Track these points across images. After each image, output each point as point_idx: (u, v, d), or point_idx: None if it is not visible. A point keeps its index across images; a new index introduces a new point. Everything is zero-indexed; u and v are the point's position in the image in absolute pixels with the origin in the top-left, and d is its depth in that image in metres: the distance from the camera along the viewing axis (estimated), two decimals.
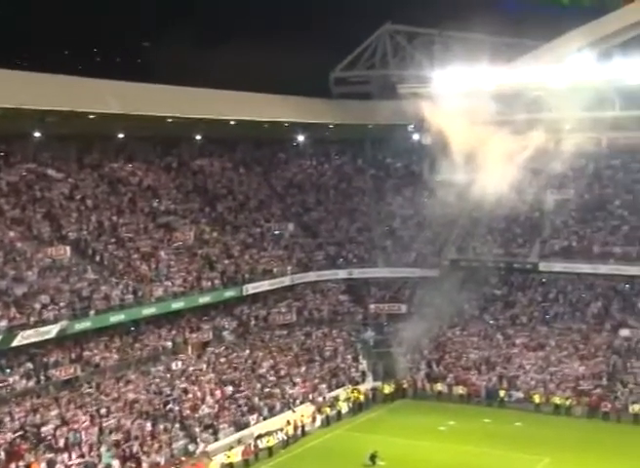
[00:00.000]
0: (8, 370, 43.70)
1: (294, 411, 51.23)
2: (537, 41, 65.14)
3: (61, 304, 46.49)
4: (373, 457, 44.83)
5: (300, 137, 72.50)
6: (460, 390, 56.68)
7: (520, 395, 55.85)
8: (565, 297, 63.02)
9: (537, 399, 54.62)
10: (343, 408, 53.73)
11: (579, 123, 60.21)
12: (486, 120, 55.96)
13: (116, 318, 48.95)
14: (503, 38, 69.30)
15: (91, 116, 52.55)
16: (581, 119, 59.50)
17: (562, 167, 63.61)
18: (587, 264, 62.55)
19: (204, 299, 54.68)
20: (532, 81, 58.25)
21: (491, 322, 62.59)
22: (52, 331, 45.03)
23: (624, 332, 58.83)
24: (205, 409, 48.28)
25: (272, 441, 47.10)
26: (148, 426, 45.05)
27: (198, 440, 45.91)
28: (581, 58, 59.75)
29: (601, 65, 57.69)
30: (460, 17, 68.18)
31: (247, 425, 48.88)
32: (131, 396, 46.94)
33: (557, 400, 54.13)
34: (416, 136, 70.95)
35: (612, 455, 45.98)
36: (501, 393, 55.67)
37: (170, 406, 47.42)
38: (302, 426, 49.91)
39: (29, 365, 44.62)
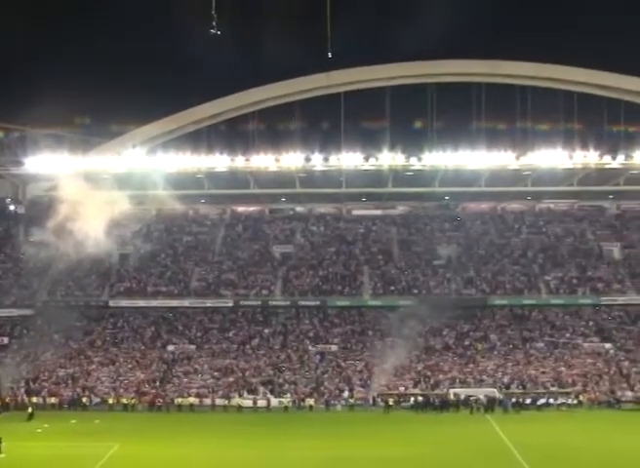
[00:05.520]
0: None
1: None
2: (103, 138, 73.23)
3: None
4: None
5: None
6: (52, 400, 60.37)
7: (98, 399, 61.11)
8: (129, 325, 70.46)
9: (110, 401, 60.19)
10: None
11: (137, 197, 68.73)
12: (74, 195, 60.98)
13: None
14: (78, 135, 76.02)
15: None
16: (137, 195, 68.17)
17: (125, 229, 70.66)
18: (144, 300, 70.87)
19: None
20: (100, 167, 66.31)
21: (75, 347, 67.10)
22: None
23: (170, 348, 67.59)
24: None
25: None
26: None
27: None
28: (135, 153, 69.32)
29: (149, 158, 67.65)
30: (47, 117, 73.14)
31: None
32: None
33: (125, 400, 60.06)
34: (12, 207, 75.04)
35: (167, 437, 50.10)
36: (84, 399, 60.36)
37: None
38: None
39: None
